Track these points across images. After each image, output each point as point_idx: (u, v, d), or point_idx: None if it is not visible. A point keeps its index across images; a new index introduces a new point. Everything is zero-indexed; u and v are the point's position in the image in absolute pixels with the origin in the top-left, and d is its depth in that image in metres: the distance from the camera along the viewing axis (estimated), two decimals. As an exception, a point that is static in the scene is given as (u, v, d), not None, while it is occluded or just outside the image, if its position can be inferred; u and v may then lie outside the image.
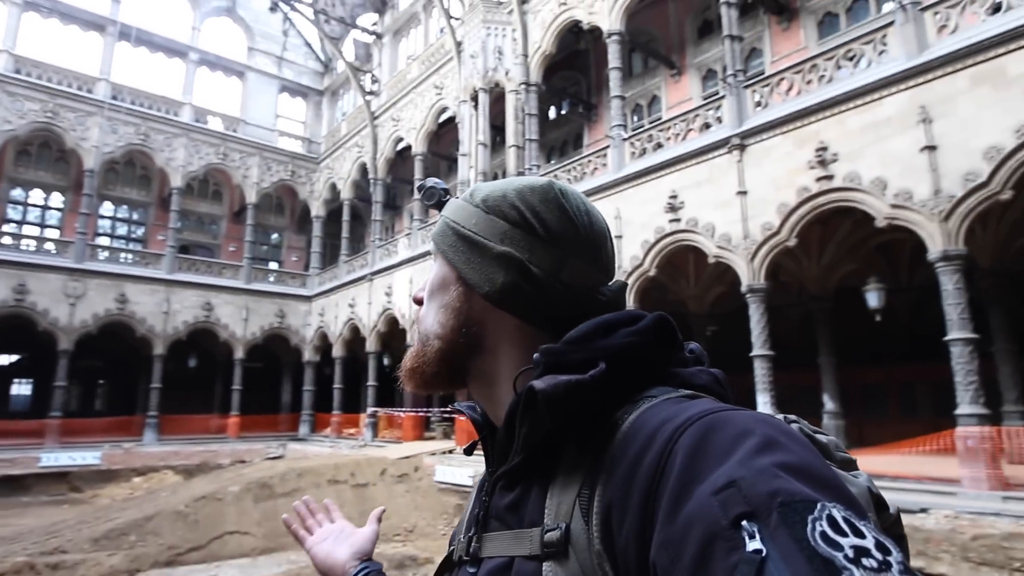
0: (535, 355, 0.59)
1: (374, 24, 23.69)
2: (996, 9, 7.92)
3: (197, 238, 24.27)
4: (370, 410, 18.74)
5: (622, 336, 0.59)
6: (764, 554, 0.36)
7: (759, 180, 9.99)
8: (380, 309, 19.12)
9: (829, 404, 11.83)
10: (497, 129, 16.03)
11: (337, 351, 21.17)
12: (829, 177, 9.14)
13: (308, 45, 26.97)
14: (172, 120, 21.97)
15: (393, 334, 19.24)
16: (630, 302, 11.65)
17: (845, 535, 0.36)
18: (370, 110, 21.61)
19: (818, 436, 0.60)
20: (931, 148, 8.08)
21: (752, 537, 0.37)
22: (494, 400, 0.68)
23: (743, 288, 10.05)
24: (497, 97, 15.37)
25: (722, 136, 10.47)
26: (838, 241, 11.95)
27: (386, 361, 19.69)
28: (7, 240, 18.93)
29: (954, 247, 7.88)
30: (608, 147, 12.72)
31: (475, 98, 15.45)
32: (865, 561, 0.35)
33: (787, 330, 12.94)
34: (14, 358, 21.04)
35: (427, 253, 16.95)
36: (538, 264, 0.65)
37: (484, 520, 0.65)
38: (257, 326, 22.13)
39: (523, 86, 14.82)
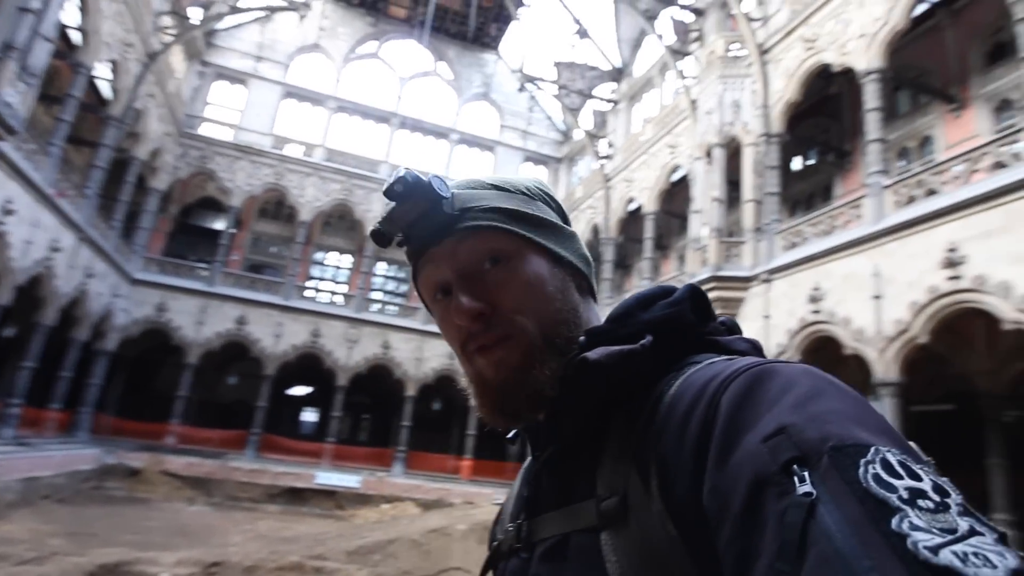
0: (580, 338, 0.61)
1: (612, 92, 24.83)
2: None
3: (447, 294, 27.35)
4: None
5: (661, 308, 0.60)
6: (814, 497, 0.35)
7: (1082, 227, 7.85)
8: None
9: None
10: (732, 184, 15.28)
11: (563, 406, 21.56)
12: None
13: (549, 118, 29.25)
14: (433, 192, 25.48)
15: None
16: (895, 372, 9.88)
17: (900, 477, 0.35)
18: (604, 173, 22.39)
19: None
20: None
21: (803, 481, 0.36)
22: None
23: (1062, 364, 7.83)
24: (733, 152, 14.72)
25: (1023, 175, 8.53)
26: None
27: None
28: (310, 293, 23.54)
29: None
30: (864, 196, 11.24)
31: (709, 153, 15.00)
32: (921, 502, 0.33)
33: None
34: (308, 390, 25.55)
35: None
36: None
37: (534, 504, 0.64)
38: (491, 377, 23.78)
39: (763, 138, 14.00)
